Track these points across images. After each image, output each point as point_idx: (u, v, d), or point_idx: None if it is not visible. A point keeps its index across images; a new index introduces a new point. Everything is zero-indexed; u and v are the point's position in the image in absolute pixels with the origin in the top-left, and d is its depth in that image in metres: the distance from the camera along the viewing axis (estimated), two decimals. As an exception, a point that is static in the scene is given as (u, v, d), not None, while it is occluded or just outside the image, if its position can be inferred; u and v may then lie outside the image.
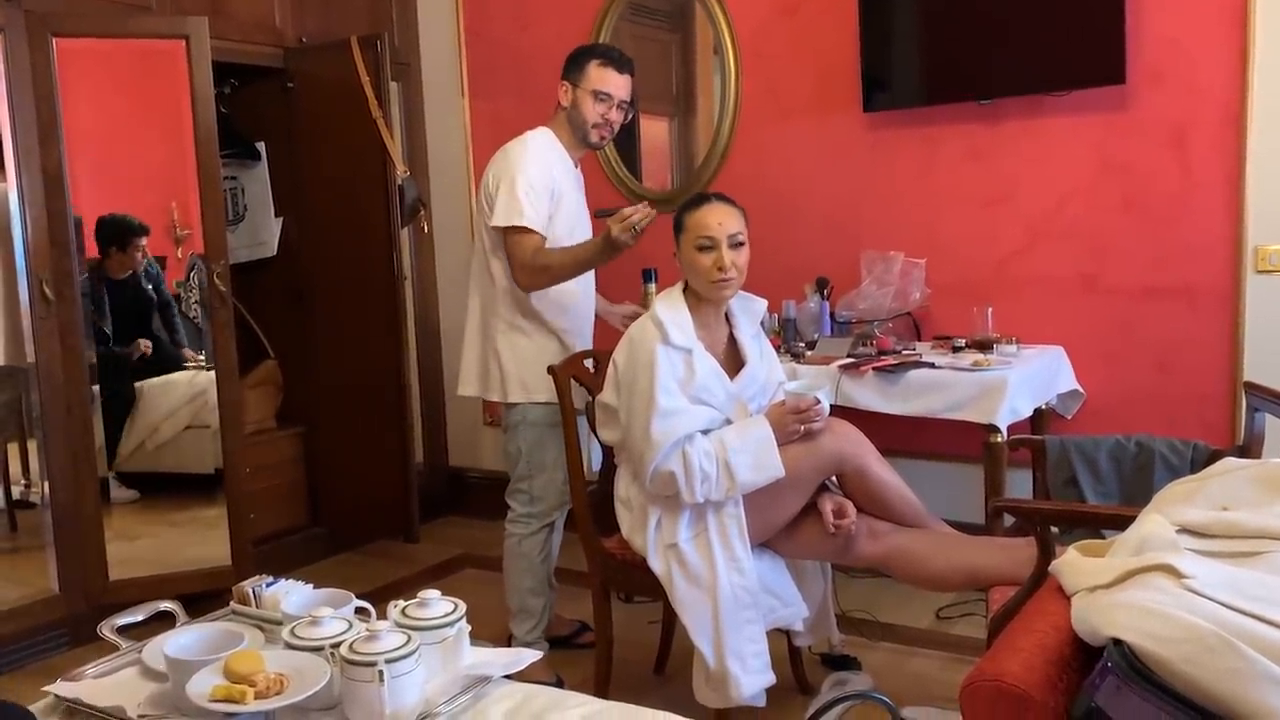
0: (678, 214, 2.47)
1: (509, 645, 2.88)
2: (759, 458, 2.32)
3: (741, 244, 2.40)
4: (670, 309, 2.42)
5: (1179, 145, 3.17)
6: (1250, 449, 2.35)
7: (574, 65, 2.90)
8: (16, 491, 4.03)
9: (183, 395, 3.95)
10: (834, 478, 2.49)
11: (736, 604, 2.34)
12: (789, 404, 2.39)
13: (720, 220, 2.39)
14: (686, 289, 2.46)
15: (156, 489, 3.90)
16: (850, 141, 3.65)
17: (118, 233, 3.69)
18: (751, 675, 2.35)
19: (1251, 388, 2.43)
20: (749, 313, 2.56)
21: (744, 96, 3.81)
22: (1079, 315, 3.35)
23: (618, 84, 2.88)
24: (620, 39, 4.07)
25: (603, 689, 2.62)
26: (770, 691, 2.41)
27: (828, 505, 2.41)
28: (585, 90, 2.86)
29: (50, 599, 3.29)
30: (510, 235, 2.76)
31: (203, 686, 1.45)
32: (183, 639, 1.62)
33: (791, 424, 2.37)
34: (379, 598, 1.76)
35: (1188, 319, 3.20)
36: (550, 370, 2.70)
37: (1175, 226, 3.20)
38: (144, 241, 3.80)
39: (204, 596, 2.90)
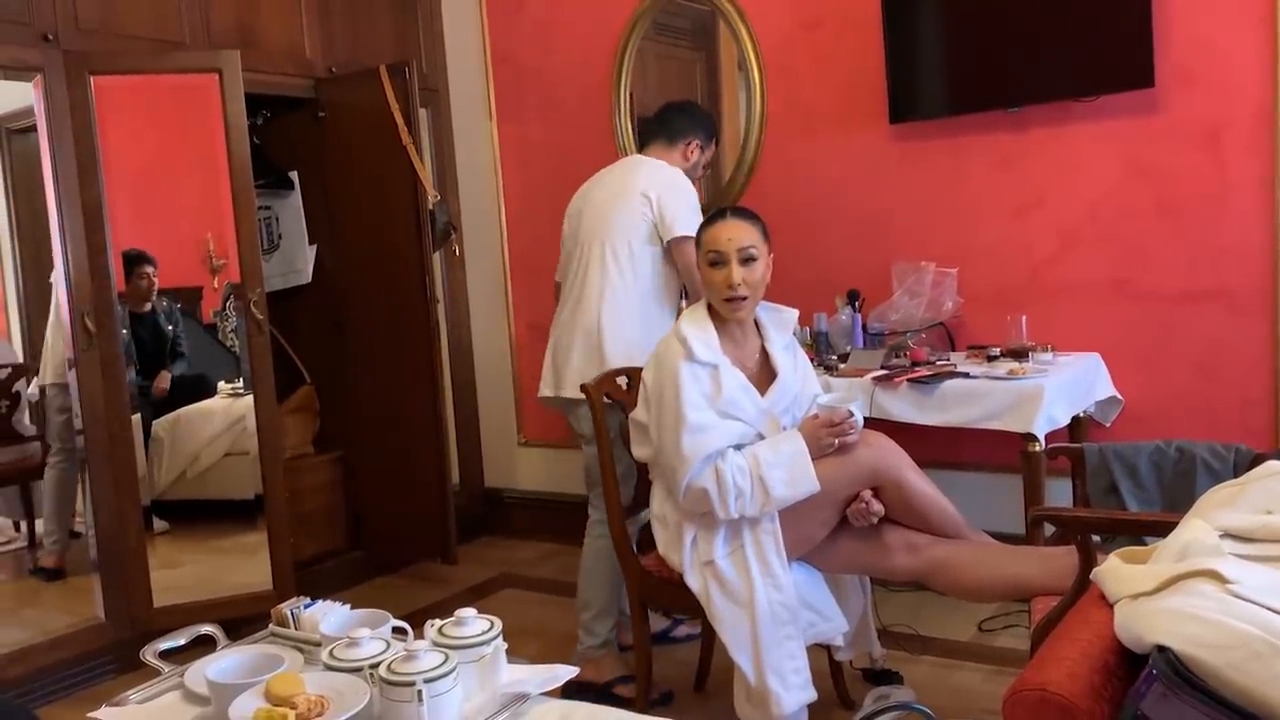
0: (699, 230, 2.48)
1: (582, 648, 2.95)
2: (793, 472, 2.31)
3: (754, 259, 2.39)
4: (694, 325, 2.42)
5: (1212, 147, 3.13)
6: (1294, 452, 2.31)
7: (710, 133, 3.18)
8: (62, 521, 4.11)
9: (221, 422, 4.01)
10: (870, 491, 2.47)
11: (775, 620, 2.33)
12: (822, 417, 2.38)
13: (730, 235, 2.38)
14: (711, 306, 2.47)
15: (198, 516, 3.95)
16: (878, 154, 3.64)
17: (122, 263, 3.74)
18: (792, 692, 2.33)
19: (1294, 390, 2.39)
20: (780, 324, 2.56)
21: (769, 112, 3.82)
22: (1115, 321, 3.31)
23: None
24: (645, 58, 4.10)
25: (643, 705, 2.61)
26: (812, 707, 2.39)
27: (866, 493, 2.41)
28: (707, 156, 3.18)
29: (97, 626, 3.34)
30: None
31: (245, 710, 1.46)
32: (224, 663, 1.64)
33: (825, 437, 2.36)
34: (418, 620, 1.77)
35: (1227, 322, 3.16)
36: (583, 388, 2.71)
37: (1211, 229, 3.16)
38: (149, 270, 3.84)
39: (247, 621, 2.92)
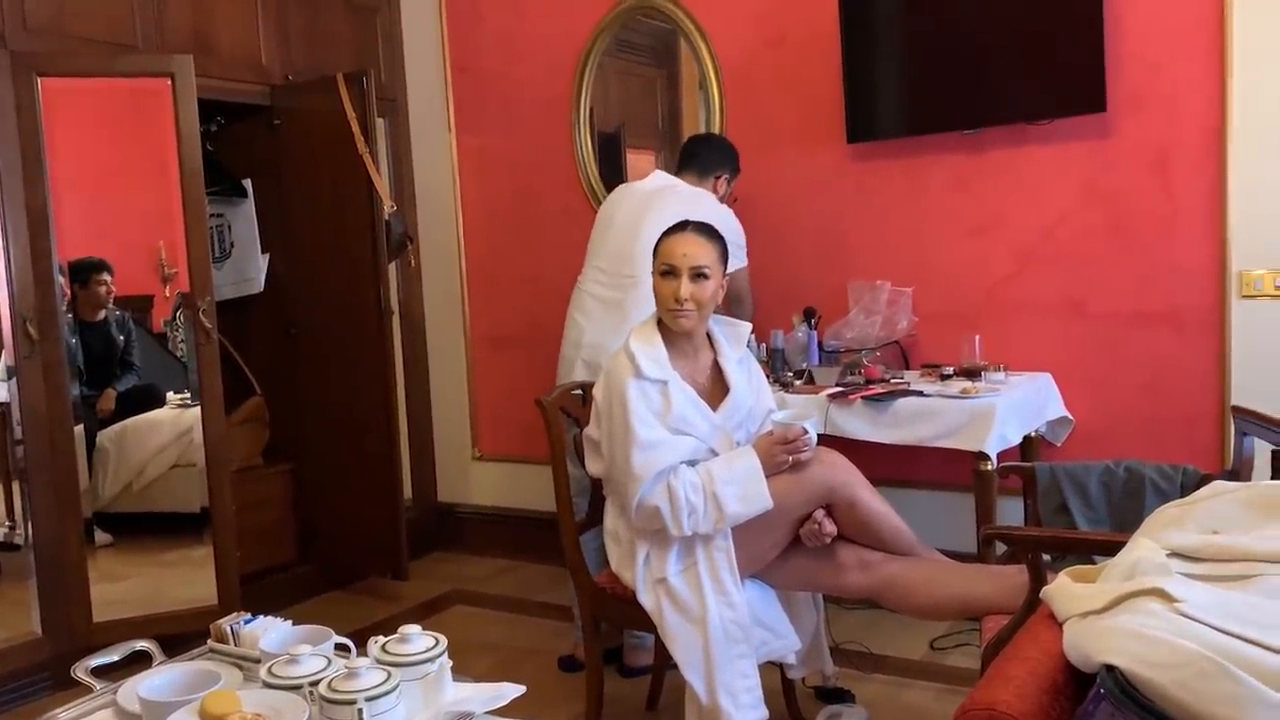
0: (658, 239, 2.47)
1: (577, 634, 2.97)
2: (746, 489, 2.30)
3: (705, 277, 2.38)
4: (643, 341, 2.41)
5: (1162, 171, 3.18)
6: (1240, 473, 2.34)
7: (733, 166, 3.36)
8: (1, 533, 4.00)
9: (168, 434, 3.92)
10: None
11: (727, 638, 2.31)
12: (776, 434, 2.38)
13: (686, 250, 2.38)
14: (661, 320, 2.46)
15: (144, 529, 3.86)
16: (836, 173, 3.66)
17: (77, 270, 3.65)
18: (743, 710, 2.31)
19: (1239, 411, 2.42)
20: (733, 338, 2.55)
21: (729, 130, 3.82)
22: (1067, 342, 3.35)
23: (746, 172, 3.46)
24: (605, 74, 4.10)
25: (593, 724, 2.59)
26: (763, 726, 2.38)
27: (819, 514, 2.39)
28: (732, 187, 3.37)
29: (33, 641, 3.25)
30: (743, 275, 3.24)
31: (177, 728, 1.42)
32: (157, 679, 1.59)
33: (779, 454, 2.35)
34: (367, 637, 1.73)
35: (1175, 344, 3.20)
36: (538, 403, 2.69)
37: (1161, 252, 3.20)
38: (106, 276, 3.77)
39: (190, 636, 2.85)
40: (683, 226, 2.45)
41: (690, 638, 2.33)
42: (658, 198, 3.15)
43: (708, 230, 2.46)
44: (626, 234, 3.15)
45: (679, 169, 3.32)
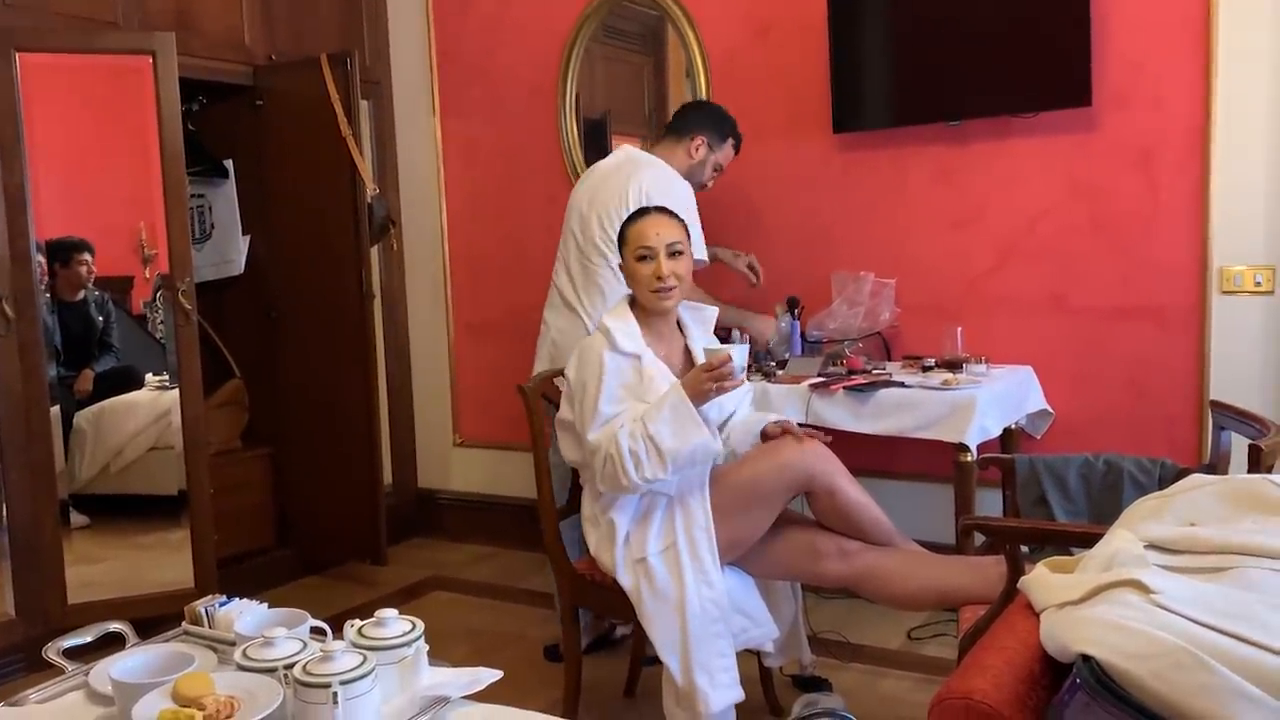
0: (621, 229, 2.49)
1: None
2: (677, 425, 2.25)
3: (680, 253, 2.41)
4: (618, 319, 2.43)
5: (1145, 167, 3.19)
6: (1217, 467, 2.35)
7: (718, 132, 3.21)
8: (-26, 514, 3.96)
9: (146, 416, 3.89)
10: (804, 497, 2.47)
11: (705, 617, 2.31)
12: (703, 362, 2.35)
13: (658, 230, 2.40)
14: (634, 303, 2.47)
15: (121, 511, 3.83)
16: (821, 163, 3.65)
17: (59, 249, 3.62)
18: (719, 690, 2.31)
19: (1218, 406, 2.44)
20: (701, 322, 2.57)
21: (715, 117, 3.81)
22: (1048, 335, 3.36)
23: (731, 163, 3.29)
24: (592, 60, 4.08)
25: (572, 711, 2.59)
26: (741, 714, 2.38)
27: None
28: (716, 157, 3.22)
29: (6, 624, 3.22)
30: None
31: (149, 710, 1.40)
32: (130, 661, 1.58)
33: (705, 382, 2.27)
34: (344, 621, 1.71)
35: (1155, 339, 3.22)
36: (520, 389, 2.68)
37: (1143, 247, 3.21)
38: (88, 256, 3.75)
39: (166, 619, 2.83)
40: (645, 212, 2.47)
41: (668, 618, 2.33)
42: (614, 174, 3.09)
43: (670, 212, 2.49)
44: (582, 217, 3.11)
45: (663, 135, 3.26)
